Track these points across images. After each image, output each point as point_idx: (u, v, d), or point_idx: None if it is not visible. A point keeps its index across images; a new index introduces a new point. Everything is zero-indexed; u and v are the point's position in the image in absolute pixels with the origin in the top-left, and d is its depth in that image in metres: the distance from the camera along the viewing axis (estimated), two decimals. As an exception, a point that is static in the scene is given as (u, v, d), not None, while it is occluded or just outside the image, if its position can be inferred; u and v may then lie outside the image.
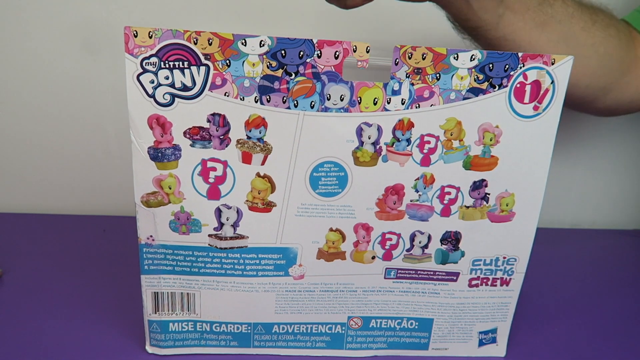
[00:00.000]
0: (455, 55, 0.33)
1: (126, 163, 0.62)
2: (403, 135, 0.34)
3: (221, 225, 0.36)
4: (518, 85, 0.34)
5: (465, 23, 0.41)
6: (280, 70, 0.32)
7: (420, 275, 0.39)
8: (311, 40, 0.32)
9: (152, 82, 0.32)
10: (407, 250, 0.38)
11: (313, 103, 0.33)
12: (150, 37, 0.31)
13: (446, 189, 0.36)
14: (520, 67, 0.34)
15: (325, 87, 0.33)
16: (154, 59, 0.31)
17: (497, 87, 0.34)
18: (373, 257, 0.38)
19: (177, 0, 0.56)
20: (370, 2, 0.39)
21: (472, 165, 0.36)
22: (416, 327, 0.40)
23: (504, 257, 0.38)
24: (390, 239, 0.37)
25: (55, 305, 0.44)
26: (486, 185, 0.36)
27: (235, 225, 0.36)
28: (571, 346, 0.43)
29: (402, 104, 0.34)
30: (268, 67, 0.32)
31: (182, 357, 0.40)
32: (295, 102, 0.33)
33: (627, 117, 0.64)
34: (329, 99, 0.33)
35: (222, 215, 0.35)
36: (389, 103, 0.34)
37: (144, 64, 0.31)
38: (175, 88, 0.32)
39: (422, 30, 0.58)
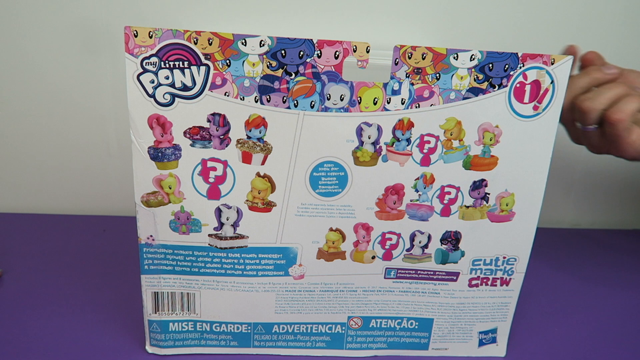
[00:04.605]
0: (455, 55, 0.33)
1: (126, 163, 0.62)
2: (403, 135, 0.34)
3: (221, 225, 0.36)
4: (518, 85, 0.34)
5: None
6: (280, 70, 0.32)
7: (420, 275, 0.39)
8: (311, 40, 0.32)
9: (152, 82, 0.32)
10: (407, 250, 0.38)
11: (313, 103, 0.33)
12: (151, 37, 0.31)
13: (446, 189, 0.36)
14: (520, 67, 0.34)
15: (325, 87, 0.33)
16: (154, 59, 0.31)
17: (496, 87, 0.34)
18: (373, 257, 0.38)
19: (177, 0, 0.56)
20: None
21: (472, 165, 0.36)
22: (416, 327, 0.40)
23: (504, 257, 0.38)
24: (390, 239, 0.37)
25: (55, 305, 0.44)
26: (486, 185, 0.36)
27: (235, 225, 0.36)
28: (571, 346, 0.43)
29: (402, 103, 0.34)
30: (268, 67, 0.32)
31: (182, 357, 0.40)
32: (295, 102, 0.33)
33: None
34: (329, 99, 0.33)
35: (222, 215, 0.35)
36: (388, 103, 0.34)
37: (144, 63, 0.31)
38: (175, 88, 0.32)
39: (422, 30, 0.58)
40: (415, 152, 0.35)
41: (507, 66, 0.34)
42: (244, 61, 0.32)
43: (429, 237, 0.37)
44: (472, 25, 0.57)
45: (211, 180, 0.35)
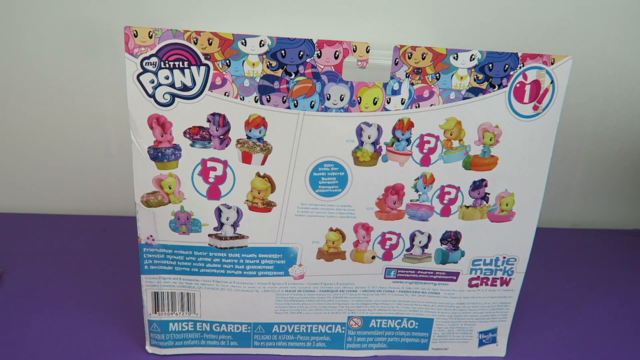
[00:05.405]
0: (455, 55, 0.33)
1: (126, 163, 0.62)
2: (403, 135, 0.34)
3: (221, 225, 0.36)
4: (518, 85, 0.34)
5: None
6: (280, 70, 0.32)
7: (420, 275, 0.39)
8: (311, 40, 0.32)
9: (152, 82, 0.32)
10: (407, 250, 0.38)
11: (313, 103, 0.33)
12: (150, 37, 0.31)
13: (446, 189, 0.36)
14: (520, 67, 0.34)
15: (325, 87, 0.33)
16: (154, 59, 0.31)
17: (496, 87, 0.34)
18: (373, 257, 0.38)
19: (177, 0, 0.56)
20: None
21: (472, 165, 0.36)
22: (416, 327, 0.40)
23: (504, 257, 0.38)
24: (390, 239, 0.37)
25: (55, 305, 0.44)
26: (486, 185, 0.36)
27: (235, 225, 0.36)
28: (571, 346, 0.43)
29: (402, 103, 0.34)
30: (268, 67, 0.32)
31: (182, 357, 0.40)
32: (295, 102, 0.33)
33: (626, 117, 0.64)
34: (328, 99, 0.33)
35: (222, 215, 0.35)
36: (388, 103, 0.34)
37: (144, 63, 0.31)
38: (175, 88, 0.32)
39: (422, 30, 0.58)
40: (415, 152, 0.35)
41: (507, 66, 0.34)
42: (243, 61, 0.32)
43: (429, 237, 0.37)
44: (472, 25, 0.57)
45: (211, 180, 0.35)
